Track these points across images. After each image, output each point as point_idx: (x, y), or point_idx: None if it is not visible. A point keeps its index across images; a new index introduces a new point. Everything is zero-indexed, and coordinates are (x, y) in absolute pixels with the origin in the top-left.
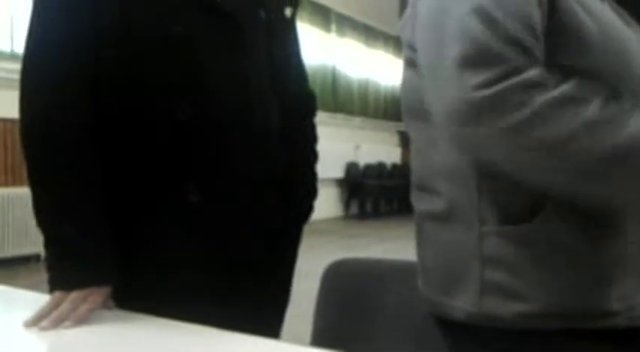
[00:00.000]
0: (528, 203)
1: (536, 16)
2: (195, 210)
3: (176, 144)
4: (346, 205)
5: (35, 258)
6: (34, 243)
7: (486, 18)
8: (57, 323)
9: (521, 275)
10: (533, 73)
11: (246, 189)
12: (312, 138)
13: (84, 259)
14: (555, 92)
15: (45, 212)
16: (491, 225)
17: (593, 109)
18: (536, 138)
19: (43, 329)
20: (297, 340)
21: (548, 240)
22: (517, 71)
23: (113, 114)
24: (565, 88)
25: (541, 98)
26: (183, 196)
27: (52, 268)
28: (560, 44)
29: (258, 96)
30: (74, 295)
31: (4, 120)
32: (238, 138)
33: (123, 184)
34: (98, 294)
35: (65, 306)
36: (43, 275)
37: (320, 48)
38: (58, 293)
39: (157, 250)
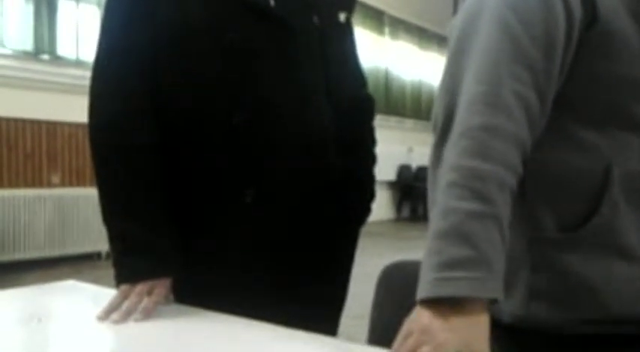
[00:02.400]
0: (581, 209)
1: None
2: (251, 211)
3: (232, 147)
4: (398, 208)
5: (97, 255)
6: (95, 241)
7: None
8: (126, 316)
9: (570, 281)
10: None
11: (300, 191)
12: (370, 142)
13: (147, 252)
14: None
15: (110, 210)
16: (541, 232)
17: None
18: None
19: (114, 321)
20: (351, 341)
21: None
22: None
23: (173, 119)
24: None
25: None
26: (239, 197)
27: (117, 263)
28: (601, 54)
29: (311, 100)
30: (140, 287)
31: (70, 125)
32: (292, 141)
33: (183, 185)
34: (162, 286)
35: (132, 299)
36: (105, 272)
37: (373, 50)
38: (124, 287)
39: (214, 247)
